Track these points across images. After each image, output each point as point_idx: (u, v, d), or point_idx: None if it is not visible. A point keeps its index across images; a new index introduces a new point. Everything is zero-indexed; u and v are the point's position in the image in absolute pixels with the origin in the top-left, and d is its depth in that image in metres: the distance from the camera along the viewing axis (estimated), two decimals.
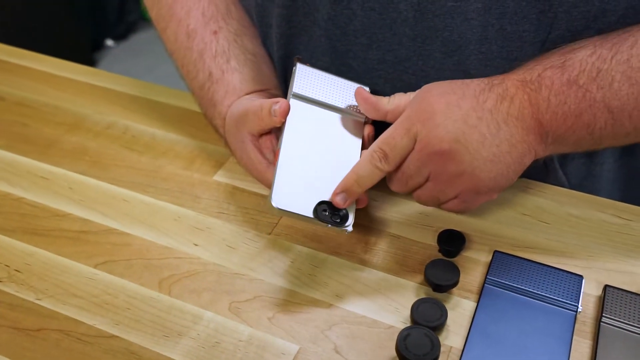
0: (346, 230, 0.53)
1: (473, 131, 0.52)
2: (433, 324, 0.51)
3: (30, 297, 0.55)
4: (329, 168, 0.56)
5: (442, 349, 0.50)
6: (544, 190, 0.64)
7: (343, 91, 0.61)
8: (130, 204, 0.64)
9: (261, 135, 0.60)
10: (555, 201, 0.63)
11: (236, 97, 0.64)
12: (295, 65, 0.61)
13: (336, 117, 0.60)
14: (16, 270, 0.57)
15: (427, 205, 0.58)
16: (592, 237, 0.59)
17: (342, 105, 0.60)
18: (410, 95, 0.57)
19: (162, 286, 0.56)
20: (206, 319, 0.53)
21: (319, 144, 0.57)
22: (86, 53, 2.40)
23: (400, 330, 0.49)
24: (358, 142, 0.59)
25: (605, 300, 0.52)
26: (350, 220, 0.53)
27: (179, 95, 0.79)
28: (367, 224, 0.61)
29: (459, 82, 0.55)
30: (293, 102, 0.58)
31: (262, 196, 0.65)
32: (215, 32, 0.67)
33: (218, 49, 0.67)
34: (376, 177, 0.54)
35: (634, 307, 0.52)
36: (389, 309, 0.54)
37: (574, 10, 0.55)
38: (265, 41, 0.72)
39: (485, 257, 0.58)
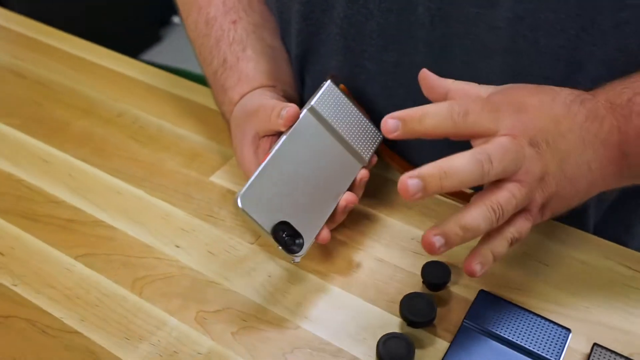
0: (293, 260, 0.51)
1: (562, 140, 0.46)
2: None
3: (7, 281, 0.56)
4: (307, 194, 0.53)
5: None
6: (551, 228, 0.60)
7: (359, 128, 0.58)
8: (123, 197, 0.64)
9: (264, 135, 0.58)
10: (561, 241, 0.59)
11: (248, 86, 0.63)
12: (326, 81, 0.58)
13: (339, 149, 0.57)
14: (0, 254, 0.58)
15: (498, 218, 0.45)
16: (594, 287, 0.55)
17: (351, 141, 0.57)
18: (481, 87, 0.51)
19: (134, 286, 0.55)
20: (170, 326, 0.52)
21: (310, 167, 0.55)
22: (153, 29, 2.44)
23: None
24: (348, 182, 0.56)
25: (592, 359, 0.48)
26: (303, 252, 0.51)
27: (198, 89, 0.78)
28: (353, 243, 0.59)
29: (545, 86, 0.49)
30: (306, 115, 0.55)
31: None
32: (234, 22, 0.67)
33: (235, 37, 0.66)
34: (442, 115, 0.45)
35: None
36: (358, 338, 0.51)
37: (626, 27, 0.50)
38: (284, 38, 0.70)
39: (472, 295, 0.54)
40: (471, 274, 0.46)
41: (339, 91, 0.58)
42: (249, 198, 0.50)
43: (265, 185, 0.51)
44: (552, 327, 0.50)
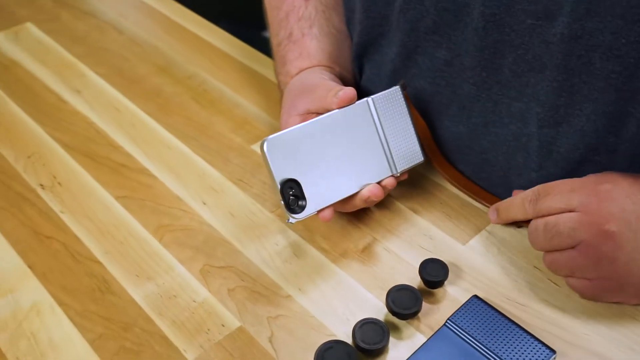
0: (289, 219, 0.53)
1: None
2: (369, 346, 0.49)
3: (57, 207, 0.63)
4: (330, 169, 0.55)
5: None
6: None
7: (405, 140, 0.59)
8: (170, 151, 0.70)
9: (314, 113, 0.61)
10: None
11: (308, 63, 0.66)
12: (397, 84, 0.60)
13: (378, 148, 0.58)
14: (58, 183, 0.66)
15: (556, 272, 0.53)
16: (600, 316, 0.52)
17: (392, 147, 0.58)
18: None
19: (157, 231, 0.61)
20: (177, 272, 0.57)
21: (344, 148, 0.56)
22: None
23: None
24: (372, 180, 0.57)
25: None
26: (301, 216, 0.53)
27: (266, 62, 0.82)
28: (367, 229, 0.60)
29: None
30: (363, 103, 0.57)
31: None
32: None
33: (305, 13, 0.69)
34: (519, 213, 0.55)
35: None
36: (342, 318, 0.53)
37: None
38: (348, 25, 0.72)
39: (467, 298, 0.54)
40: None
41: (402, 99, 0.60)
42: (275, 145, 0.53)
43: (296, 142, 0.54)
44: (536, 345, 0.49)
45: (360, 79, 0.73)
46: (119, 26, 0.90)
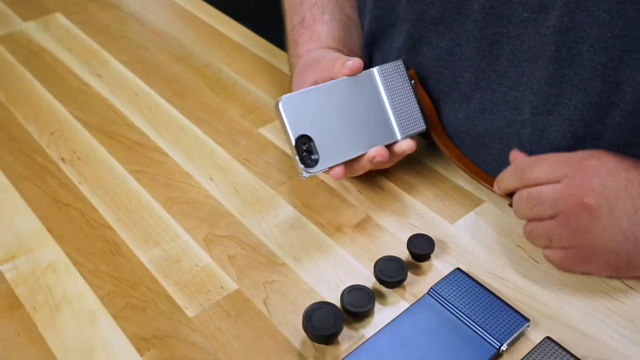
0: (302, 174, 0.56)
1: (628, 200, 0.51)
2: (355, 309, 0.53)
3: (75, 179, 0.68)
4: (341, 129, 0.58)
5: (355, 335, 0.52)
6: None
7: (407, 109, 0.63)
8: (184, 132, 0.74)
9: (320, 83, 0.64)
10: None
11: (317, 45, 0.71)
12: (399, 60, 0.64)
13: (384, 113, 0.62)
14: (78, 157, 0.71)
15: (534, 242, 0.56)
16: (576, 292, 0.55)
17: (395, 115, 0.62)
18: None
19: (166, 203, 0.65)
20: (182, 240, 0.61)
21: (353, 110, 0.60)
22: None
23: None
24: (379, 143, 0.60)
25: (536, 348, 0.50)
26: (314, 171, 0.56)
27: (278, 54, 0.87)
28: (362, 207, 0.64)
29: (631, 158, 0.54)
30: (369, 72, 0.61)
31: (289, 156, 0.70)
32: None
33: (318, 1, 0.73)
34: (511, 181, 0.57)
35: None
36: (332, 285, 0.57)
37: None
38: (360, 14, 0.76)
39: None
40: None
41: (404, 71, 0.64)
42: (290, 103, 0.56)
43: (309, 102, 0.57)
44: (511, 314, 0.52)
45: (370, 66, 0.77)
46: (141, 18, 0.96)
